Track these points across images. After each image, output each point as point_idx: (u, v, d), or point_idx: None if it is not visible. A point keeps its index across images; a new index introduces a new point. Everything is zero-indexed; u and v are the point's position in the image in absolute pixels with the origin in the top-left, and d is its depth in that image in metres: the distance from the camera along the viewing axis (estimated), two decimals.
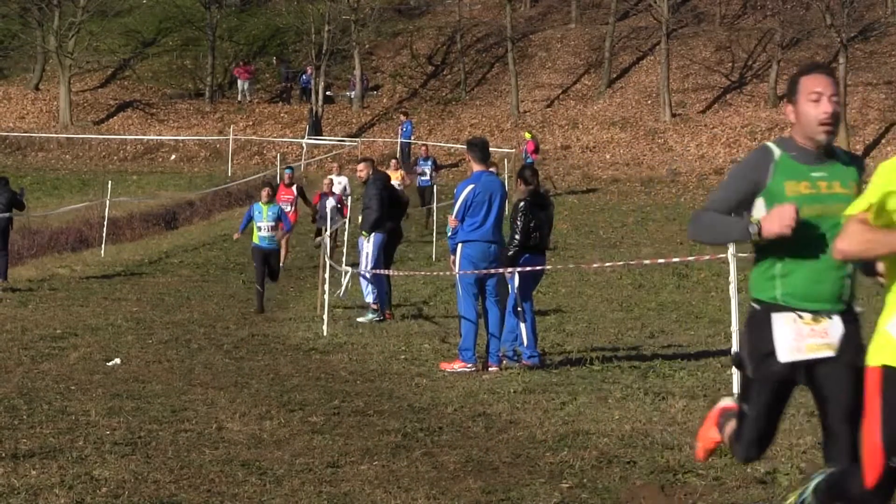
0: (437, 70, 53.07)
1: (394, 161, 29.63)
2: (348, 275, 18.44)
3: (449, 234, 13.01)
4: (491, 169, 13.08)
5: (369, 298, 17.13)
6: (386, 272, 16.89)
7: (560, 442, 8.27)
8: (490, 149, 12.99)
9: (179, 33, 55.26)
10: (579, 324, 16.44)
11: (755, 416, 5.29)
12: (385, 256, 17.27)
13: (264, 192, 19.29)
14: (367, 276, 16.93)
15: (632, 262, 12.71)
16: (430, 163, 34.34)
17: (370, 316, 16.80)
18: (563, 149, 45.83)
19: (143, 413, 9.37)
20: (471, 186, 12.30)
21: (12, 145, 47.74)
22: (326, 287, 16.11)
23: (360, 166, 17.81)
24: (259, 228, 18.92)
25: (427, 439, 8.46)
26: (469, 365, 12.01)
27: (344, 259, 22.45)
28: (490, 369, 12.03)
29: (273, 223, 18.87)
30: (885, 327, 4.66)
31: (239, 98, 51.36)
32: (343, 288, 18.73)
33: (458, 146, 44.71)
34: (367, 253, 17.15)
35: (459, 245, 12.38)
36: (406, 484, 7.13)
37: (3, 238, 22.18)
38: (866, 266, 5.09)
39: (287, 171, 26.41)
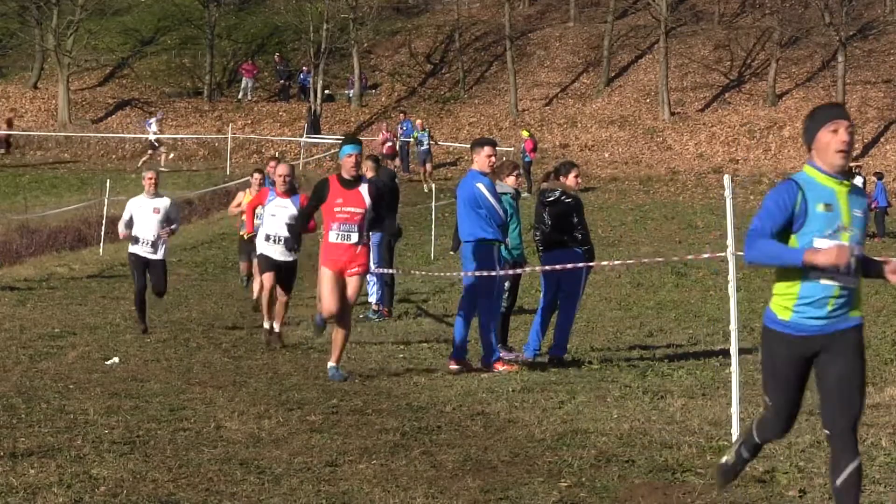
0: (435, 69, 53.06)
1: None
2: None
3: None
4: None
5: (372, 298, 17.11)
6: (389, 270, 16.87)
7: (558, 441, 8.27)
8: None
9: (178, 32, 55.24)
10: (578, 322, 16.41)
11: None
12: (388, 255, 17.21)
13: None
14: (375, 273, 16.87)
15: (629, 262, 12.69)
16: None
17: (371, 316, 16.78)
18: (561, 147, 45.83)
19: (142, 412, 9.36)
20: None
21: (11, 144, 47.74)
22: None
23: (366, 165, 17.81)
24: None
25: (425, 438, 8.46)
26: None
27: None
28: (452, 366, 11.92)
29: None
30: None
31: (240, 96, 51.38)
32: None
33: (457, 145, 44.73)
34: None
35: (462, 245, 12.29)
36: (404, 483, 7.13)
37: None
38: None
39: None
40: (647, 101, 48.03)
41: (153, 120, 45.72)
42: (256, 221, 15.21)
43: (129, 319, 16.38)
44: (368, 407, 9.76)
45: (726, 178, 8.03)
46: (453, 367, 11.90)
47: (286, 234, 13.53)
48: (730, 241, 8.06)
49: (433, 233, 28.12)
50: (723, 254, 8.28)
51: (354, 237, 11.33)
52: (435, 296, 20.12)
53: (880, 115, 45.22)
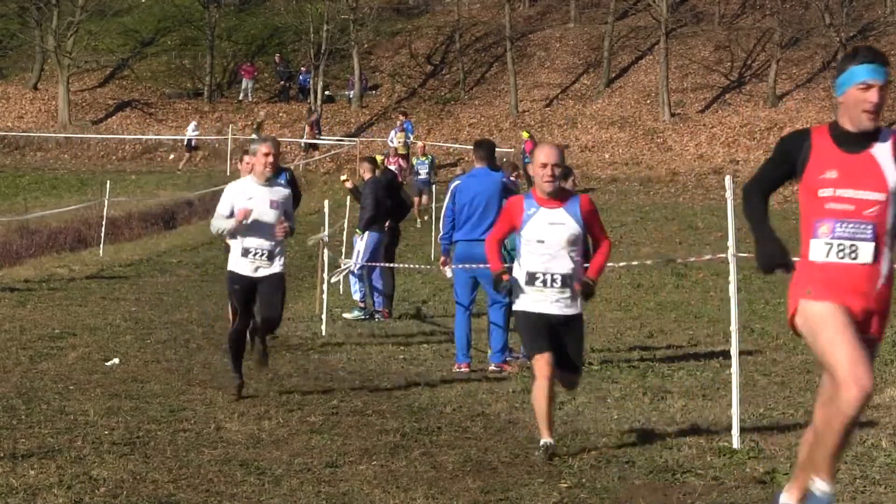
0: (435, 70, 53.05)
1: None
2: (346, 268, 18.47)
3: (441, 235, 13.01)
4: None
5: (357, 296, 17.41)
6: (388, 264, 17.01)
7: (559, 442, 8.26)
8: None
9: (178, 33, 55.26)
10: None
11: None
12: (387, 256, 17.39)
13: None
14: (357, 273, 17.15)
15: (634, 263, 12.69)
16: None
17: (356, 313, 17.03)
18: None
19: (142, 413, 9.37)
20: (456, 182, 12.34)
21: (11, 145, 47.76)
22: (325, 287, 16.10)
23: (364, 166, 17.95)
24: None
25: (426, 439, 8.46)
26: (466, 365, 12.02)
27: (343, 254, 22.48)
28: (462, 369, 11.99)
29: None
30: None
31: (241, 97, 51.39)
32: (337, 276, 18.64)
33: (457, 146, 44.72)
34: (359, 251, 17.31)
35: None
36: (405, 484, 7.13)
37: None
38: None
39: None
40: (648, 102, 48.02)
41: (405, 123, 42.59)
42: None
43: (128, 320, 16.37)
44: (368, 408, 9.76)
45: (727, 179, 8.03)
46: (465, 369, 11.98)
47: (568, 270, 7.91)
48: (731, 242, 8.05)
49: (433, 233, 28.11)
50: (724, 255, 8.27)
51: (867, 252, 5.54)
52: (435, 296, 20.11)
53: (880, 115, 45.20)
